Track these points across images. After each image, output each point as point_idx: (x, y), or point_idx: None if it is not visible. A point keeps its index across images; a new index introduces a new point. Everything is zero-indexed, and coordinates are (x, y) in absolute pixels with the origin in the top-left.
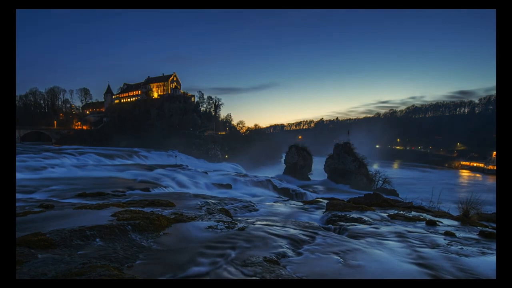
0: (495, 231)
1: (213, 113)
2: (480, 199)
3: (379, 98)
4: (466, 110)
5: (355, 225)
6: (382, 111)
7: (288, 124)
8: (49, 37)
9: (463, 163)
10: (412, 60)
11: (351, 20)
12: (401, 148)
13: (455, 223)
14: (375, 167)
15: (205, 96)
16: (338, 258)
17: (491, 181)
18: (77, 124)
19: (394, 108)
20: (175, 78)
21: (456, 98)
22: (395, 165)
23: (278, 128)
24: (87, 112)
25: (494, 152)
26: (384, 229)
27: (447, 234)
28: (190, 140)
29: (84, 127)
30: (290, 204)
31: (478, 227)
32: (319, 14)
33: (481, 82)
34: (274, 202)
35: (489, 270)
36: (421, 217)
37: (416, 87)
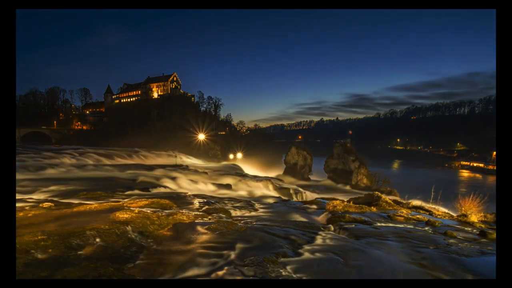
0: (495, 231)
1: (213, 113)
2: (480, 199)
3: (296, 101)
4: (466, 110)
5: (355, 225)
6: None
7: (288, 124)
8: (49, 37)
9: (463, 163)
10: (315, 68)
11: (263, 30)
12: (401, 148)
13: (455, 223)
14: (374, 167)
15: (205, 96)
16: (338, 258)
17: (491, 181)
18: (77, 124)
19: (310, 110)
20: (175, 78)
21: (352, 99)
22: (395, 165)
23: (278, 128)
24: (87, 112)
25: (494, 152)
26: (384, 229)
27: (447, 234)
28: (190, 140)
29: (84, 127)
30: (290, 204)
31: (478, 227)
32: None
33: (373, 87)
34: (274, 202)
35: (489, 270)
36: (421, 217)
37: (320, 92)
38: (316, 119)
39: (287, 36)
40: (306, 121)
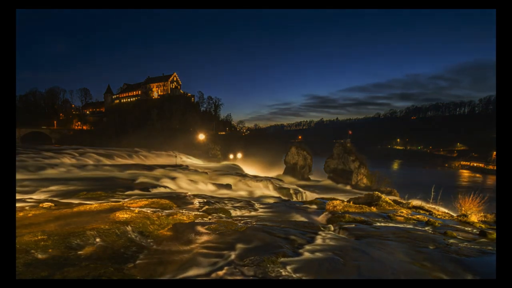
0: (495, 231)
1: (213, 113)
2: (480, 199)
3: (266, 103)
4: (466, 110)
5: (355, 225)
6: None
7: (288, 124)
8: (49, 37)
9: (463, 163)
10: (275, 72)
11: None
12: (401, 148)
13: (455, 223)
14: (374, 167)
15: (205, 96)
16: (338, 258)
17: (491, 181)
18: (77, 124)
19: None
20: (175, 78)
21: (316, 100)
22: (395, 165)
23: (278, 128)
24: (87, 112)
25: (494, 152)
26: (384, 229)
27: (447, 234)
28: (190, 140)
29: (84, 127)
30: (290, 204)
31: (478, 227)
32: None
33: (328, 88)
34: (274, 202)
35: (489, 270)
36: (421, 217)
37: (282, 94)
38: (316, 119)
39: (250, 41)
40: (306, 121)
